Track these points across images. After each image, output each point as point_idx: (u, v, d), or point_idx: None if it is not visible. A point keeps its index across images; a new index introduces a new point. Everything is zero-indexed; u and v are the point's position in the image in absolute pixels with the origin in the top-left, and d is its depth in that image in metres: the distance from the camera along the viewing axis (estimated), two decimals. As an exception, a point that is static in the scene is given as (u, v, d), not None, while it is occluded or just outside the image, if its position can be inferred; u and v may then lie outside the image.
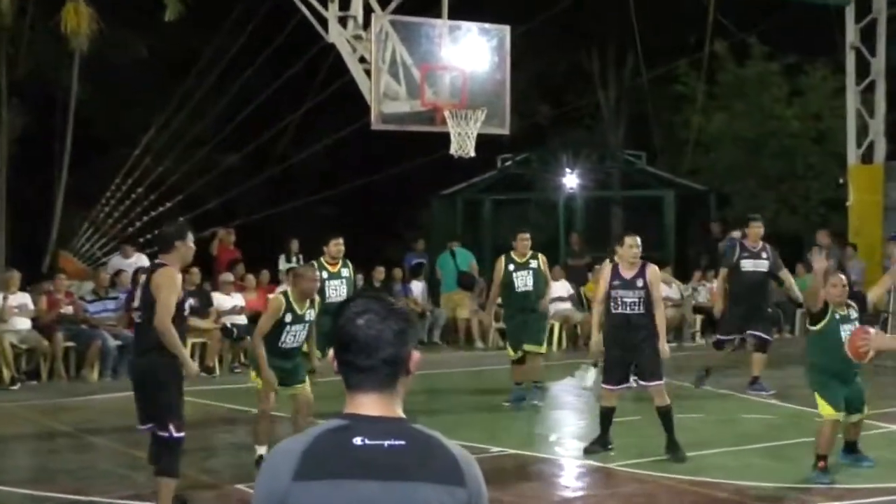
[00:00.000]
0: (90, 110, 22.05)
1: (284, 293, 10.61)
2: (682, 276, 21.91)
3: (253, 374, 10.59)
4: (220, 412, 13.61)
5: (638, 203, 29.27)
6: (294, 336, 10.33)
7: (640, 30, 22.11)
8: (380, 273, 19.78)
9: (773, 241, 15.65)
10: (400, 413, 2.94)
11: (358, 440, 2.83)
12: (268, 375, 10.15)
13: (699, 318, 20.92)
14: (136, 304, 8.38)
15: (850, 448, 10.31)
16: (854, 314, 9.89)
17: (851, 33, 22.39)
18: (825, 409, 9.69)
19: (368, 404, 2.91)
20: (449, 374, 16.76)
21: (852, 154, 22.81)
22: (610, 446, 10.91)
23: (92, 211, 19.66)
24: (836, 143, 24.59)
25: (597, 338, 11.08)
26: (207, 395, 14.46)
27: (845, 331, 9.63)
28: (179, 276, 8.19)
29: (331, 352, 3.06)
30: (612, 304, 10.79)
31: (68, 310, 16.47)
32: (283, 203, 22.39)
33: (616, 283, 10.78)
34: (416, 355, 2.99)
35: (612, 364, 10.91)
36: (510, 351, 14.02)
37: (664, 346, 10.85)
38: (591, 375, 13.12)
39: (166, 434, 8.09)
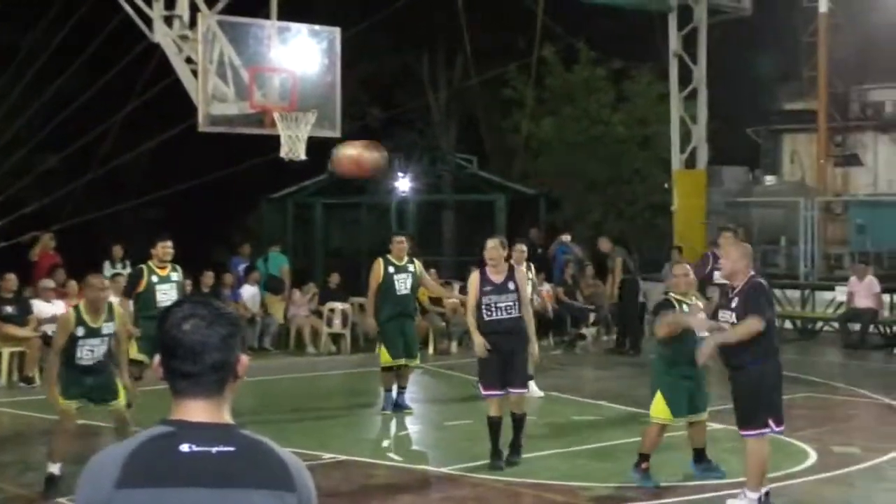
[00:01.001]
0: None
1: (76, 306, 9.93)
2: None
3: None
4: (39, 424, 13.01)
5: (469, 207, 29.50)
6: (91, 351, 9.59)
7: (470, 32, 22.23)
8: (208, 278, 19.39)
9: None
10: (228, 419, 2.90)
11: (185, 447, 2.77)
12: (54, 399, 9.54)
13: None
14: None
15: (699, 457, 10.04)
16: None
17: (674, 41, 22.96)
18: (661, 411, 9.58)
19: (195, 410, 2.86)
20: (280, 380, 16.51)
21: (676, 159, 23.42)
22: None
23: None
24: (661, 148, 25.24)
25: (480, 338, 10.41)
26: (26, 405, 13.93)
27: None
28: None
29: (156, 358, 2.95)
30: (485, 310, 10.46)
31: None
32: (108, 206, 21.71)
33: (487, 288, 10.47)
34: (244, 360, 2.96)
35: (490, 370, 10.45)
36: (386, 356, 13.46)
37: (535, 348, 10.84)
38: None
39: None
